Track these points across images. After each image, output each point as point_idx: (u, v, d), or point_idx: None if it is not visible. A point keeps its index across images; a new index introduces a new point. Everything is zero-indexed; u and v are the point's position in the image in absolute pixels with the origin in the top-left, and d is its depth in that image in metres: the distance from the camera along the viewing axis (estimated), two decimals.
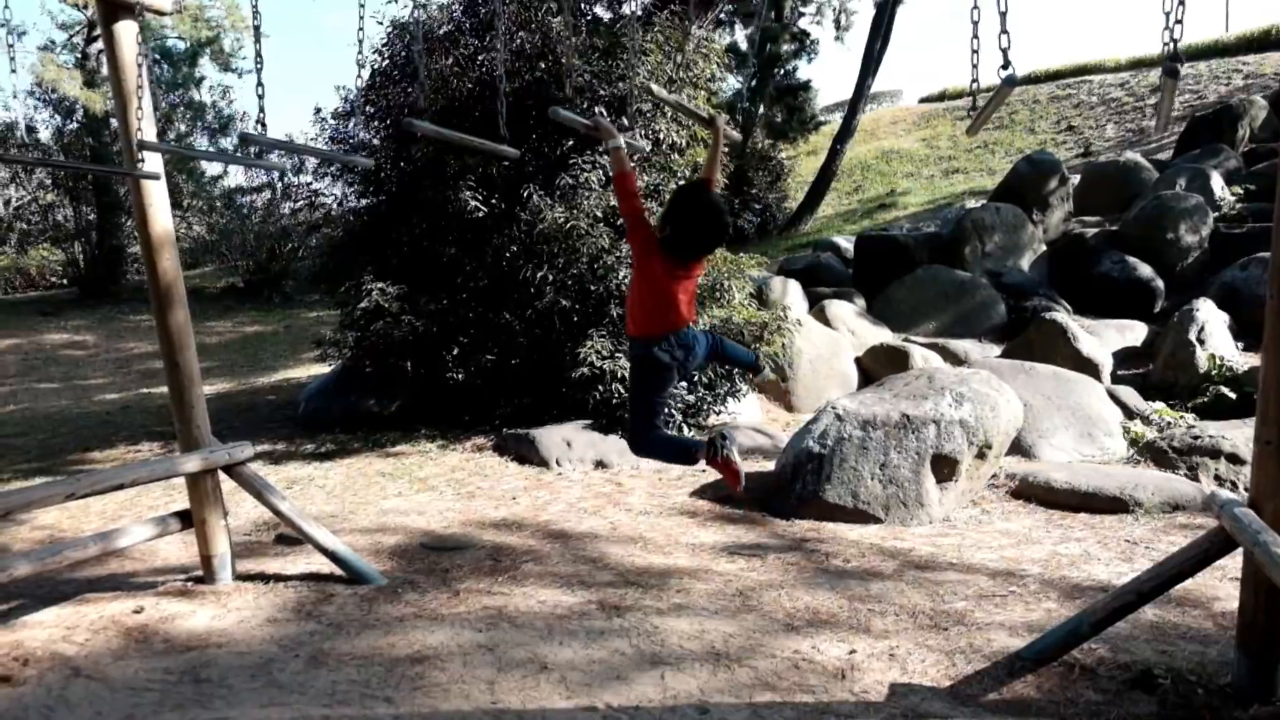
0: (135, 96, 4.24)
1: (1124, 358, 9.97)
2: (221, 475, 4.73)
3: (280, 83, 24.99)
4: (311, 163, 10.57)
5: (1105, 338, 10.17)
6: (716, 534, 5.61)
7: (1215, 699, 3.16)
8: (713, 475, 6.93)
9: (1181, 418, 8.00)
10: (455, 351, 8.11)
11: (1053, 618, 3.97)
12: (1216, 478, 6.40)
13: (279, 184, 21.54)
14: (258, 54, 3.38)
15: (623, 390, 7.55)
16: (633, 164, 3.67)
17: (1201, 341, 8.94)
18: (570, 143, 8.07)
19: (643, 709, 3.27)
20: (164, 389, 4.97)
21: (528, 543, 5.41)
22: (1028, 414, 7.10)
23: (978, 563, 4.93)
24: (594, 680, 3.50)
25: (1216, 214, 12.26)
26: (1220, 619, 3.93)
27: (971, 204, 14.43)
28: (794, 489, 6.08)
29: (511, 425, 7.95)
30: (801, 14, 23.59)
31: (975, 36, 2.48)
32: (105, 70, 16.29)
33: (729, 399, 8.27)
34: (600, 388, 7.57)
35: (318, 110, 9.99)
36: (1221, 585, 4.30)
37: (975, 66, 2.53)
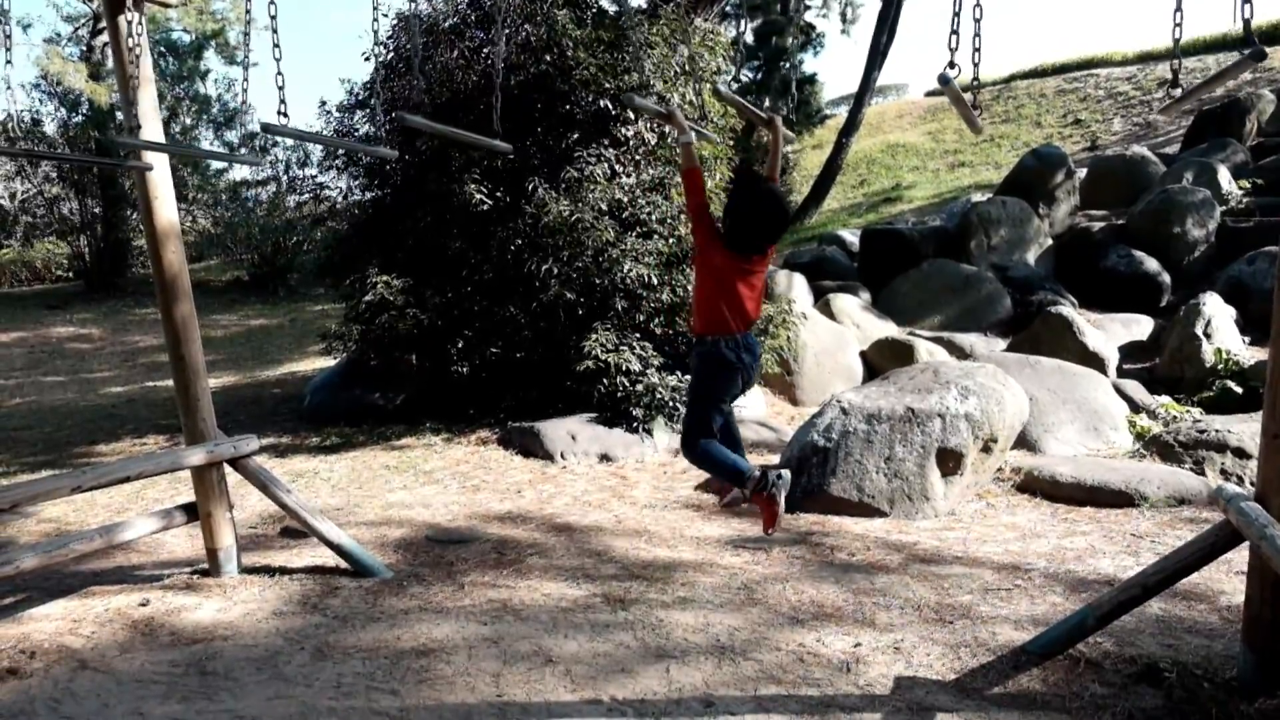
0: (141, 88, 4.24)
1: (1130, 352, 9.95)
2: (227, 468, 4.74)
3: (286, 77, 24.92)
4: (317, 156, 10.59)
5: (1111, 332, 10.15)
6: (721, 527, 5.61)
7: (1221, 693, 3.15)
8: None
9: (1187, 412, 7.98)
10: (460, 345, 8.11)
11: (1058, 611, 3.97)
12: (1223, 472, 6.38)
13: (284, 177, 21.56)
14: (274, 44, 3.38)
15: (628, 383, 7.55)
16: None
17: (1208, 335, 8.91)
18: (575, 136, 8.06)
19: (648, 702, 3.27)
20: (169, 382, 4.98)
21: (532, 536, 5.42)
22: (1033, 408, 7.08)
23: (983, 556, 4.93)
24: (599, 673, 3.50)
25: (1223, 208, 12.22)
26: (1226, 613, 3.92)
27: (977, 198, 14.40)
28: (799, 483, 6.07)
29: (516, 418, 7.96)
30: (808, 7, 23.54)
31: (976, 34, 2.48)
32: (110, 63, 16.30)
33: None
34: (605, 381, 7.57)
35: (323, 103, 9.97)
36: (1227, 579, 4.29)
37: (976, 65, 2.52)
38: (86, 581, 4.76)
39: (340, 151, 9.49)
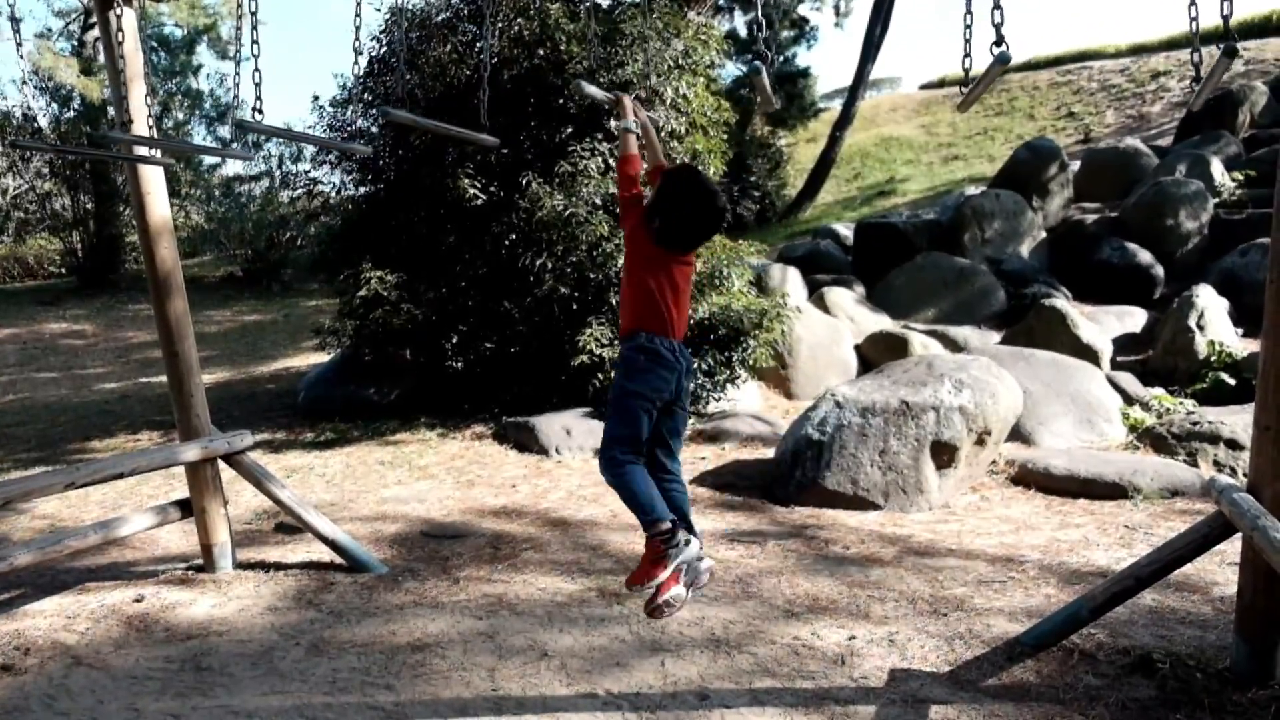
0: (132, 84, 4.22)
1: (1123, 344, 9.97)
2: (221, 464, 4.74)
3: (278, 72, 24.92)
4: (310, 151, 10.57)
5: (1105, 324, 10.18)
6: (716, 521, 5.62)
7: (1214, 683, 3.17)
8: (711, 463, 6.95)
9: (1181, 404, 8.01)
10: (454, 339, 8.11)
11: (1052, 603, 3.98)
12: (1215, 463, 6.41)
13: (277, 172, 21.49)
14: (253, 40, 3.36)
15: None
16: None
17: (1201, 328, 8.94)
18: (569, 130, 8.04)
19: (643, 695, 3.28)
20: (163, 378, 4.97)
21: (528, 530, 5.42)
22: (1027, 400, 7.10)
23: (977, 549, 4.94)
24: (594, 667, 3.51)
25: (1216, 200, 12.25)
26: (1219, 603, 3.94)
27: (971, 191, 14.41)
28: (794, 476, 6.09)
29: (511, 413, 7.95)
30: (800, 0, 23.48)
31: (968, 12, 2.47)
32: (102, 58, 16.22)
33: (728, 386, 8.27)
34: (600, 375, 7.57)
35: (315, 98, 9.94)
36: (1220, 570, 4.31)
37: (968, 43, 2.52)
38: (81, 578, 4.75)
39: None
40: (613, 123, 3.54)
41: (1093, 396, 7.67)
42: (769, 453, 6.86)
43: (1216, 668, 3.27)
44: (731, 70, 20.64)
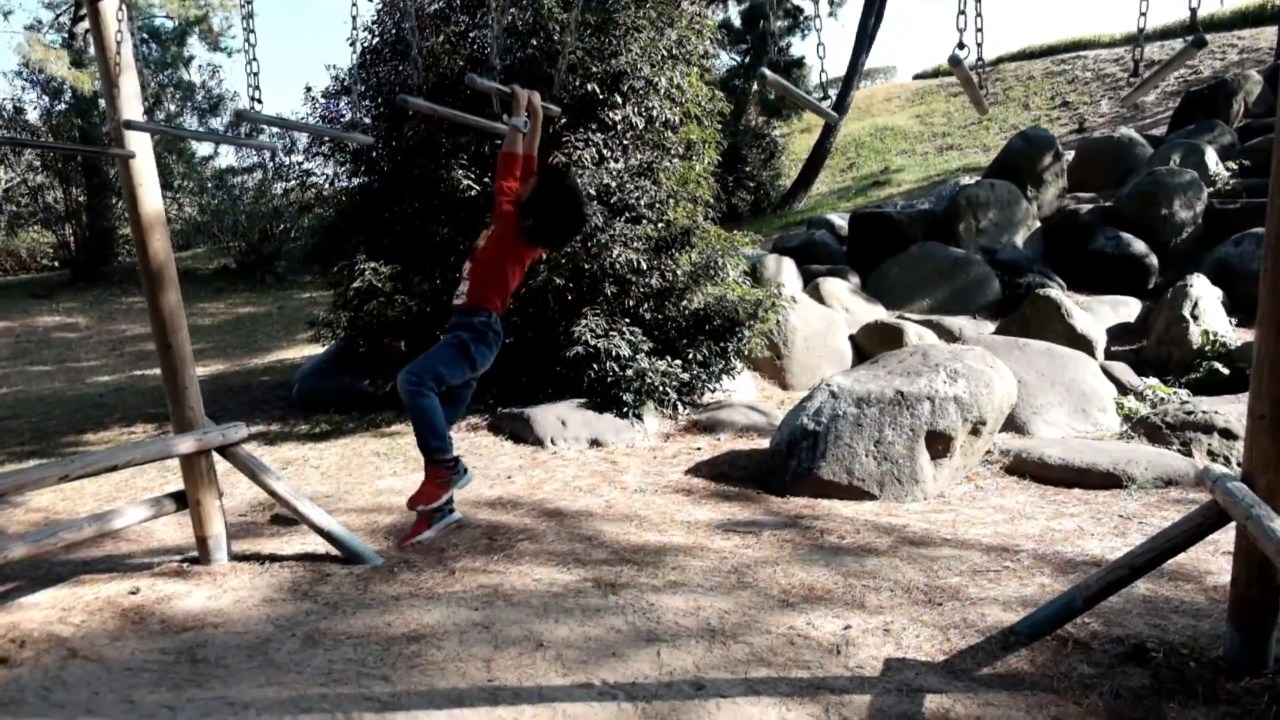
0: (122, 75, 4.20)
1: (1118, 334, 9.99)
2: (216, 456, 4.73)
3: (270, 63, 24.84)
4: (303, 142, 10.53)
5: (1099, 314, 10.19)
6: (711, 511, 5.62)
7: (1208, 672, 3.18)
8: (706, 454, 6.95)
9: (1175, 393, 8.03)
10: None
11: (1046, 592, 4.00)
12: (1210, 453, 6.42)
13: (271, 164, 21.40)
14: (249, 30, 3.34)
15: (617, 369, 7.55)
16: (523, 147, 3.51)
17: (1195, 317, 8.95)
18: (563, 120, 8.02)
19: (639, 685, 3.28)
20: (157, 370, 4.95)
21: (523, 521, 5.42)
22: (1022, 390, 7.11)
23: (972, 538, 4.95)
24: (590, 657, 3.51)
25: (1211, 190, 12.25)
26: (1213, 592, 3.95)
27: (966, 180, 14.40)
28: (789, 466, 6.10)
29: (506, 404, 7.95)
30: None
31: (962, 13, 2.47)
32: (93, 50, 16.13)
33: (724, 376, 8.27)
34: (595, 366, 7.56)
35: (308, 89, 9.90)
36: (1214, 559, 4.32)
37: (965, 32, 2.51)
38: (76, 570, 4.74)
39: (325, 137, 9.43)
40: (504, 118, 3.56)
41: (1087, 386, 7.68)
42: (764, 443, 6.87)
43: (1210, 656, 3.29)
44: (725, 60, 20.60)
